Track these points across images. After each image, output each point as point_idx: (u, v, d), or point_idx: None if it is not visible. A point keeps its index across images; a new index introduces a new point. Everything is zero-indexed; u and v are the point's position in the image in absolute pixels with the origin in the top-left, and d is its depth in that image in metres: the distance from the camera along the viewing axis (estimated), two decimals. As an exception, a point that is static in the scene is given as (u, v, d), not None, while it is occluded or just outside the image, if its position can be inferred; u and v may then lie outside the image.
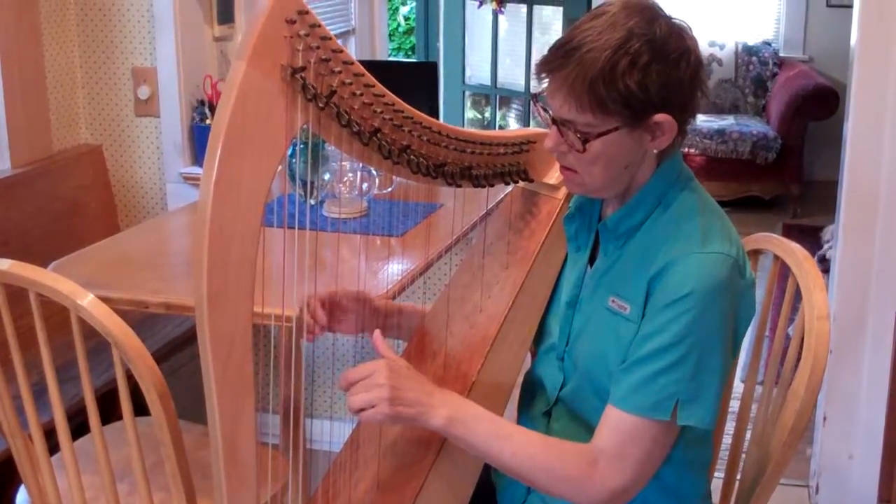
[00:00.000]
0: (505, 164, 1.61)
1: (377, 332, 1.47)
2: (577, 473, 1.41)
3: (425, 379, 1.46)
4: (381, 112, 1.39)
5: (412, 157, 1.46)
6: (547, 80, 1.42)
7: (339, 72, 1.32)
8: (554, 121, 1.44)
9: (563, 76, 1.39)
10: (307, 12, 1.25)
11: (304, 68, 1.27)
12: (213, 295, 1.25)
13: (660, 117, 1.41)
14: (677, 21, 1.44)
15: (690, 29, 1.44)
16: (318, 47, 1.28)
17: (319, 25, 1.27)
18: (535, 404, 1.65)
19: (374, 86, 1.37)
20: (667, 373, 1.39)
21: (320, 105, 1.31)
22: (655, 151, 1.46)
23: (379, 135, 1.40)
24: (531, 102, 1.52)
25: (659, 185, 1.49)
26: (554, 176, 1.66)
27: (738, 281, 1.43)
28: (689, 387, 1.39)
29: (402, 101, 1.41)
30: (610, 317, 1.49)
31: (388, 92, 1.39)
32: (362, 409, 1.39)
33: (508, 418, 1.54)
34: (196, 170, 3.10)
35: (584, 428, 1.53)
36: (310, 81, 1.28)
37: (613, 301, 1.48)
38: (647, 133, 1.43)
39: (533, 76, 1.46)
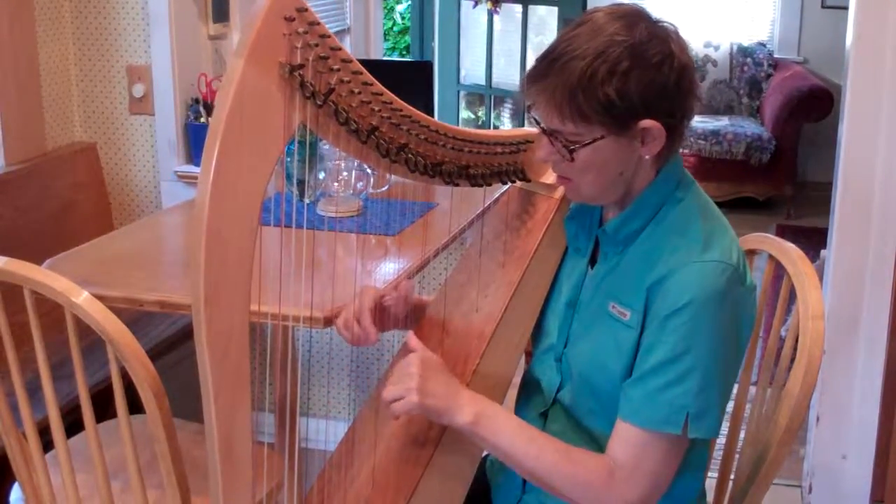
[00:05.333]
0: (502, 164, 1.62)
1: (411, 333, 1.50)
2: (597, 481, 1.42)
3: (455, 379, 1.47)
4: (379, 110, 1.39)
5: (410, 155, 1.46)
6: (532, 91, 1.42)
7: (338, 69, 1.31)
8: (544, 131, 1.44)
9: (544, 87, 1.39)
10: (306, 9, 1.25)
11: (302, 66, 1.27)
12: (211, 293, 1.25)
13: (646, 123, 1.39)
14: (663, 24, 1.42)
15: (677, 32, 1.42)
16: (316, 45, 1.27)
17: (318, 23, 1.27)
18: (531, 405, 1.64)
19: (372, 84, 1.36)
20: (674, 386, 1.39)
21: (318, 103, 1.30)
22: (647, 157, 1.44)
23: (377, 133, 1.40)
24: (526, 111, 1.52)
25: (659, 191, 1.47)
26: (551, 176, 1.65)
27: (737, 289, 1.42)
28: (697, 399, 1.39)
29: (399, 100, 1.41)
30: (610, 322, 1.48)
31: (387, 90, 1.38)
32: (395, 400, 1.42)
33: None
34: (190, 168, 3.10)
35: (580, 430, 1.54)
36: (308, 79, 1.28)
37: (613, 307, 1.48)
38: (635, 140, 1.41)
39: (520, 89, 1.46)
